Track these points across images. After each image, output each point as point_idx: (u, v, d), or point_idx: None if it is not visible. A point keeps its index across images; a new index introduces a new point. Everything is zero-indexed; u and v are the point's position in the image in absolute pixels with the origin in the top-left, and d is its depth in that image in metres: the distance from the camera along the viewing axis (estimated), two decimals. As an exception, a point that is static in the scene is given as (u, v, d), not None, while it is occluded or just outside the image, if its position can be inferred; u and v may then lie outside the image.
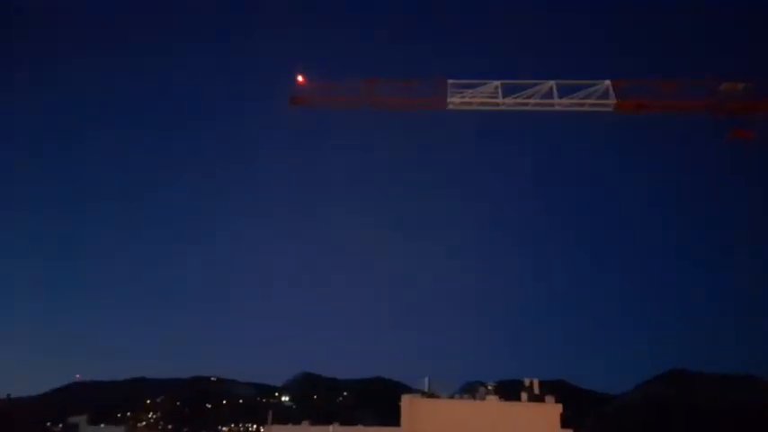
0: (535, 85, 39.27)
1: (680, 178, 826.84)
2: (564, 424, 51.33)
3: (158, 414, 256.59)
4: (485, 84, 39.67)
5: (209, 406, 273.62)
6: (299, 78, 39.99)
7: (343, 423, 63.29)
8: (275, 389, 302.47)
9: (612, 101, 37.98)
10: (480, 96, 39.33)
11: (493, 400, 54.39)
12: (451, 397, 57.58)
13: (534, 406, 53.40)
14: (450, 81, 39.44)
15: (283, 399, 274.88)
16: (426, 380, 57.92)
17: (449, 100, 38.92)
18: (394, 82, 40.20)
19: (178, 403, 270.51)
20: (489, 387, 58.96)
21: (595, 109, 38.60)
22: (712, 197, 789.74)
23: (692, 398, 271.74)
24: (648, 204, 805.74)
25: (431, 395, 55.94)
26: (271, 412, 61.76)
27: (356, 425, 64.81)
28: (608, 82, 38.46)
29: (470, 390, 62.63)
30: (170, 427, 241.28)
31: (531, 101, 38.90)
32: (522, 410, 52.74)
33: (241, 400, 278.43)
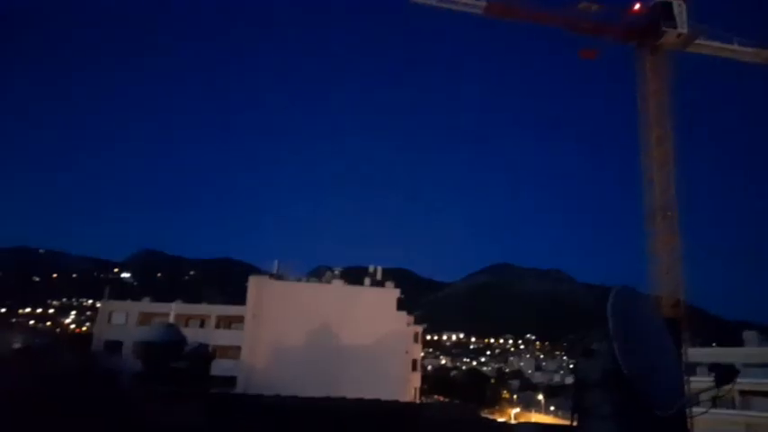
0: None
1: (526, 85, 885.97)
2: (400, 306, 56.21)
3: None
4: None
5: (38, 279, 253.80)
6: None
7: (188, 301, 62.80)
8: (114, 264, 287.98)
9: (483, 3, 38.05)
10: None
11: (338, 283, 57.27)
12: (299, 279, 59.50)
13: (375, 290, 57.39)
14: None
15: (123, 275, 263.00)
16: (276, 262, 58.84)
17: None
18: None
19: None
20: (336, 272, 61.75)
21: (466, 9, 38.48)
22: (554, 112, 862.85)
23: (510, 286, 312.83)
24: (489, 112, 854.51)
25: (279, 277, 57.20)
26: (108, 287, 58.88)
27: (201, 303, 64.60)
28: (482, -17, 38.24)
29: (318, 274, 65.14)
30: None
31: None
32: (364, 294, 56.45)
33: (75, 275, 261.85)
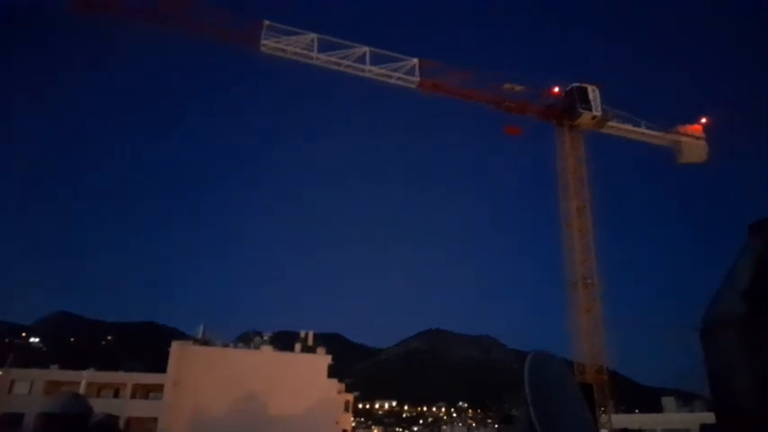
0: (351, 47, 39.60)
1: (452, 161, 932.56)
2: (331, 373, 54.76)
3: None
4: (302, 34, 38.79)
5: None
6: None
7: (103, 368, 58.56)
8: (23, 328, 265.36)
9: (417, 78, 40.21)
10: (296, 46, 38.35)
11: (267, 349, 55.37)
12: (226, 345, 57.12)
13: (306, 356, 55.84)
14: (267, 22, 37.73)
15: (32, 339, 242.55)
16: (201, 327, 56.43)
17: (262, 41, 37.19)
18: (207, 8, 37.18)
19: None
20: (265, 337, 59.85)
21: (401, 83, 40.49)
22: (482, 181, 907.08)
23: (443, 352, 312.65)
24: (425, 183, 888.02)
25: (204, 342, 54.69)
26: (12, 354, 54.10)
27: (118, 370, 60.36)
28: (416, 60, 40.53)
29: (246, 339, 62.83)
30: None
31: (345, 62, 39.18)
32: (294, 360, 54.78)
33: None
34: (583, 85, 43.64)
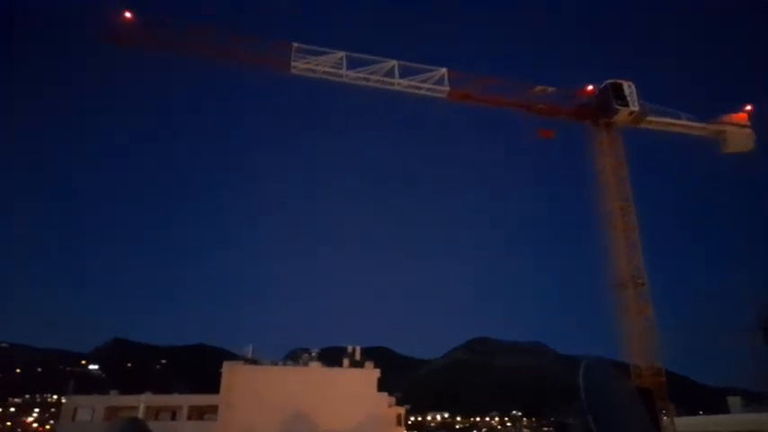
0: (379, 62, 39.96)
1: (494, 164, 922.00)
2: (380, 387, 54.58)
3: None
4: (330, 53, 39.40)
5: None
6: (127, 14, 35.64)
7: (158, 392, 60.05)
8: (81, 356, 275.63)
9: (446, 88, 40.17)
10: (325, 65, 38.97)
11: (316, 365, 55.68)
12: (275, 363, 57.74)
13: (354, 371, 55.85)
14: (296, 45, 38.50)
15: (91, 367, 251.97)
16: (250, 347, 57.26)
17: (292, 63, 37.95)
18: (234, 35, 38.25)
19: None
20: (313, 354, 60.25)
21: (431, 93, 40.53)
22: (512, 193, 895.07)
23: (492, 361, 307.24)
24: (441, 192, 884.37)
25: (254, 362, 55.46)
26: (72, 381, 56.11)
27: (172, 393, 61.77)
28: (444, 70, 40.54)
29: (295, 356, 63.40)
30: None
31: (374, 77, 39.53)
32: (343, 375, 54.86)
33: (39, 369, 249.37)
34: (617, 81, 42.68)
